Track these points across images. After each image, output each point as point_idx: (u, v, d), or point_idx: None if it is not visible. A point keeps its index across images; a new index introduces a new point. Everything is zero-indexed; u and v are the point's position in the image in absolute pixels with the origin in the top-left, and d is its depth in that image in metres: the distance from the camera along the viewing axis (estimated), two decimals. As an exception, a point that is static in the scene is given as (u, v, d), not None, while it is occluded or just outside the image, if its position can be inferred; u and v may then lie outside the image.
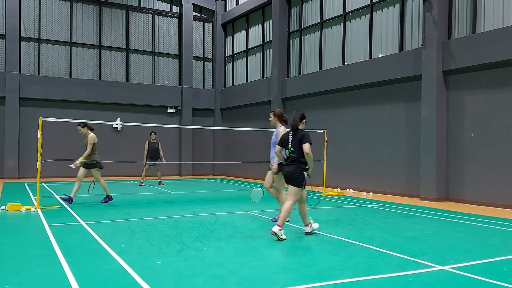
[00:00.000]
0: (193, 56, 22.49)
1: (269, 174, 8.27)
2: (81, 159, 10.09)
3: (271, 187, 8.30)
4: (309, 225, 7.02)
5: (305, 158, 6.56)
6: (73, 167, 10.16)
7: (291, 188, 6.70)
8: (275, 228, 6.42)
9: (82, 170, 10.26)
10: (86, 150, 10.19)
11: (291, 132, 6.77)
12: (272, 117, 8.14)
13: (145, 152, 15.75)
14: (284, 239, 6.44)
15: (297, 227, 7.63)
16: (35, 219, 8.21)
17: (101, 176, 10.66)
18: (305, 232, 7.00)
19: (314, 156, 6.68)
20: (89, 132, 10.44)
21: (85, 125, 10.48)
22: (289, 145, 6.71)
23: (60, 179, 17.69)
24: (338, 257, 5.55)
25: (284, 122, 8.13)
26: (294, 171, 6.62)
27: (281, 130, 7.79)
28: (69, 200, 10.17)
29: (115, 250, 5.70)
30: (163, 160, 16.05)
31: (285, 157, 6.93)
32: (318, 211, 9.75)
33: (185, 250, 5.77)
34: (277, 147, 7.02)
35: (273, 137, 8.10)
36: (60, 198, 10.36)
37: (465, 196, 11.50)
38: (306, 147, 6.51)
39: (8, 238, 6.56)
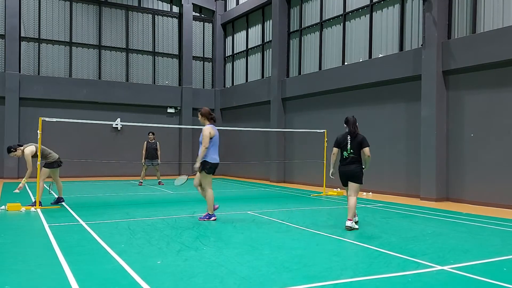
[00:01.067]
0: (193, 56, 22.49)
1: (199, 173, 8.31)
2: (24, 181, 9.26)
3: (200, 185, 8.49)
4: (352, 220, 7.41)
5: (363, 159, 7.52)
6: (18, 191, 9.42)
7: (353, 185, 7.51)
8: (348, 223, 7.31)
9: (44, 171, 9.67)
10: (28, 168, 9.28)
11: (349, 136, 7.54)
12: (200, 117, 8.35)
13: (143, 152, 15.77)
14: (357, 228, 7.40)
15: (297, 227, 7.63)
16: (35, 219, 8.22)
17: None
18: (346, 226, 7.35)
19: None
20: (20, 149, 9.51)
21: (15, 147, 9.56)
22: (348, 147, 7.50)
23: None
24: (338, 257, 5.55)
25: (212, 120, 8.33)
26: (356, 170, 7.47)
27: (208, 128, 8.11)
28: (60, 200, 10.10)
29: (115, 250, 5.70)
30: (159, 160, 16.03)
31: (344, 157, 7.57)
32: (318, 211, 9.76)
33: (185, 250, 5.77)
34: (334, 148, 7.63)
35: (201, 135, 8.25)
36: (52, 204, 9.96)
37: (465, 196, 11.50)
38: (367, 150, 7.51)
39: (8, 238, 6.55)
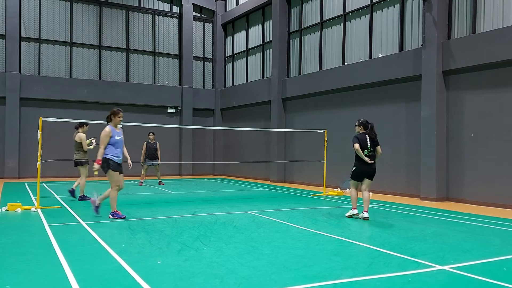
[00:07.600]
0: (193, 56, 22.50)
1: None
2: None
3: None
4: (356, 210, 8.62)
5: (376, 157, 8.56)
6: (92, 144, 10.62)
7: (369, 182, 8.51)
8: (366, 214, 8.37)
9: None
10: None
11: (367, 136, 8.41)
12: None
13: (143, 152, 15.78)
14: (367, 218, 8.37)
15: (297, 227, 7.64)
16: (35, 219, 8.22)
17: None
18: (363, 218, 8.38)
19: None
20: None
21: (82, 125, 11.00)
22: (369, 146, 8.38)
23: (60, 179, 17.70)
24: (338, 257, 5.56)
25: None
26: (375, 168, 8.48)
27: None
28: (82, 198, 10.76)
29: (115, 250, 5.71)
30: (159, 160, 16.03)
31: (365, 155, 8.36)
32: (318, 211, 9.76)
33: (185, 250, 5.77)
34: (358, 145, 8.35)
35: None
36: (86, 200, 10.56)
37: (465, 196, 11.50)
38: (380, 148, 8.60)
39: (9, 238, 6.56)
